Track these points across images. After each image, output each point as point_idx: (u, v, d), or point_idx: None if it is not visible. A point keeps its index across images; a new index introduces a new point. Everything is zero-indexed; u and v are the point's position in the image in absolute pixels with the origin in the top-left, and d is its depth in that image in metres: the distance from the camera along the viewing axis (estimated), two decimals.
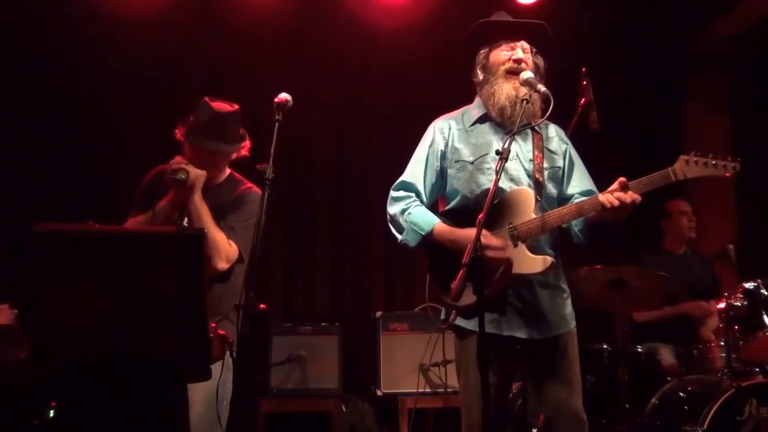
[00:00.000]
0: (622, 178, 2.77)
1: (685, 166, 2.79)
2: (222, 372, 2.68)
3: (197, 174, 3.11)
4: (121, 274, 2.29)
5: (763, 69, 5.79)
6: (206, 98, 3.28)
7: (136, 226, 3.19)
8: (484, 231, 2.68)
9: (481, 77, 3.07)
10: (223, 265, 3.15)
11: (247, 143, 3.34)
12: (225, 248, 3.16)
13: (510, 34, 3.03)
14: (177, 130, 3.29)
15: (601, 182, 2.98)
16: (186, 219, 3.19)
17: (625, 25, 6.00)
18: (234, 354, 2.60)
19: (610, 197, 2.75)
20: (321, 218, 5.81)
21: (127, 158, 5.41)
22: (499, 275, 2.79)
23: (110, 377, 2.37)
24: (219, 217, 3.20)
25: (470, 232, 2.66)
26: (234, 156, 3.35)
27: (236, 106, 3.28)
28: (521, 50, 3.01)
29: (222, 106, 3.25)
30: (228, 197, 3.32)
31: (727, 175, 2.81)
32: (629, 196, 2.73)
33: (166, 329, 2.31)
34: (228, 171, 3.43)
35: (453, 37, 3.43)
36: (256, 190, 3.35)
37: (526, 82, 2.87)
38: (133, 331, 2.30)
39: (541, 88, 2.85)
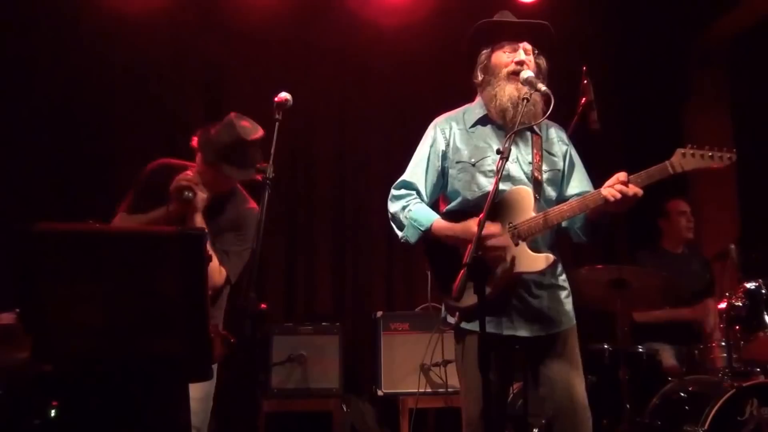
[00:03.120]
0: (622, 173, 2.78)
1: (682, 159, 2.79)
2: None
3: (202, 197, 3.04)
4: (122, 274, 2.29)
5: (764, 68, 5.78)
6: (233, 115, 3.14)
7: (142, 222, 3.10)
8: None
9: (482, 78, 3.05)
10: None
11: (261, 173, 3.12)
12: (214, 274, 3.08)
13: (512, 34, 3.02)
14: (195, 138, 3.16)
15: (602, 182, 2.97)
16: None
17: (627, 24, 6.00)
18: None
19: (612, 190, 2.75)
20: (321, 218, 5.81)
21: (127, 158, 5.41)
22: (500, 276, 2.79)
23: (111, 377, 2.37)
24: (216, 234, 3.12)
25: (468, 225, 2.75)
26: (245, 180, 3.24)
27: (260, 131, 3.13)
28: (523, 52, 2.99)
29: (247, 128, 3.10)
30: (229, 214, 3.24)
31: (724, 166, 2.81)
32: (632, 189, 2.74)
33: (167, 329, 2.31)
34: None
35: (454, 36, 3.42)
36: (253, 206, 3.29)
37: (526, 81, 2.87)
38: (134, 331, 2.30)
39: (542, 87, 2.84)
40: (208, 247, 2.93)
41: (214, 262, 3.06)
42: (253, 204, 3.31)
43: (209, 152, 3.10)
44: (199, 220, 3.04)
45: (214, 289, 3.11)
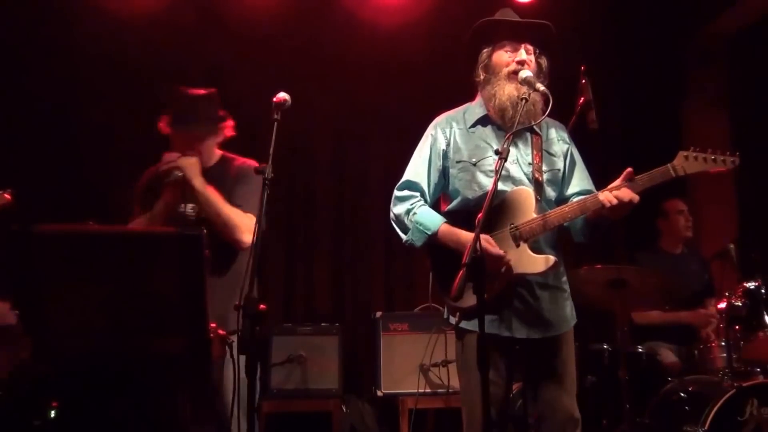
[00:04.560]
0: (629, 169, 2.78)
1: (685, 162, 2.78)
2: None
3: (190, 162, 3.13)
4: (121, 275, 2.29)
5: (763, 66, 5.78)
6: (178, 87, 3.30)
7: (145, 220, 3.21)
8: (485, 236, 2.71)
9: (482, 77, 3.04)
10: (248, 236, 3.16)
11: (230, 122, 3.35)
12: (244, 221, 3.18)
13: (514, 34, 3.01)
14: (159, 124, 3.31)
15: (600, 181, 2.98)
16: (188, 206, 3.22)
17: (625, 22, 5.99)
18: (233, 354, 2.61)
19: (608, 195, 2.76)
20: (321, 218, 5.80)
21: (126, 158, 5.41)
22: (500, 278, 2.78)
23: (111, 377, 2.37)
24: (227, 194, 3.22)
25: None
26: (220, 137, 3.37)
27: (212, 90, 3.31)
28: (524, 51, 2.98)
29: (196, 90, 3.28)
30: (225, 176, 3.33)
31: (727, 169, 2.81)
32: (627, 195, 2.74)
33: (166, 330, 2.31)
34: (219, 153, 3.43)
35: (452, 36, 3.42)
36: (250, 162, 3.39)
37: (525, 81, 2.86)
38: (133, 332, 2.30)
39: (540, 86, 2.84)
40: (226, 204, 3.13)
41: (238, 211, 3.17)
42: (241, 159, 3.43)
43: (173, 123, 3.25)
44: (200, 183, 3.13)
45: (251, 232, 3.09)
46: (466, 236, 2.82)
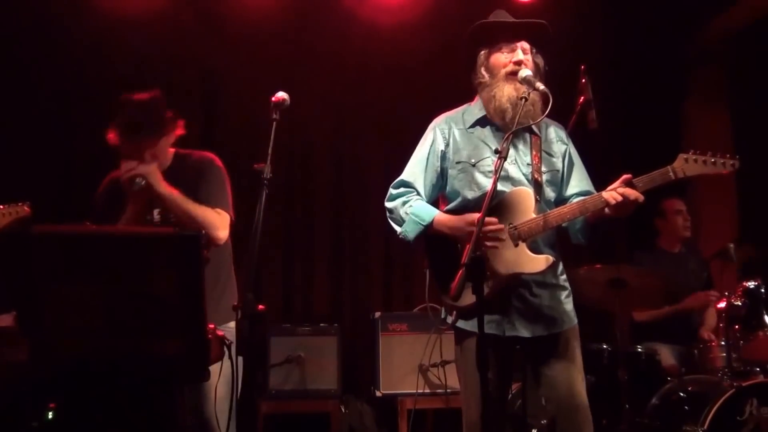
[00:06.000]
0: (626, 175, 2.78)
1: (685, 165, 2.78)
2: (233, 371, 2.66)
3: (150, 169, 3.06)
4: (119, 276, 2.28)
5: (763, 66, 5.77)
6: (123, 96, 3.21)
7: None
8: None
9: (481, 79, 3.03)
10: (223, 233, 3.15)
11: (180, 122, 3.28)
12: (215, 218, 3.13)
13: (510, 34, 3.00)
14: (108, 136, 3.20)
15: (600, 180, 2.97)
16: (155, 212, 3.17)
17: (625, 22, 5.99)
18: (231, 356, 2.60)
19: (614, 194, 2.75)
20: (319, 218, 5.79)
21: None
22: (498, 278, 2.78)
23: (108, 379, 2.36)
24: (191, 194, 3.15)
25: (468, 218, 2.76)
26: (172, 138, 3.29)
27: (155, 92, 3.23)
28: (521, 51, 2.97)
29: (139, 96, 3.20)
30: (184, 174, 3.26)
31: (726, 172, 2.81)
32: (633, 193, 2.74)
33: (164, 331, 2.30)
34: (172, 151, 3.36)
35: (451, 35, 3.41)
36: (206, 155, 3.34)
37: (524, 80, 2.86)
38: (130, 333, 2.29)
39: (540, 86, 2.83)
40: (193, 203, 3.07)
41: (207, 209, 3.10)
42: (195, 153, 3.36)
43: (122, 134, 3.14)
44: (164, 188, 3.06)
45: (225, 227, 3.17)
46: (462, 219, 2.83)
